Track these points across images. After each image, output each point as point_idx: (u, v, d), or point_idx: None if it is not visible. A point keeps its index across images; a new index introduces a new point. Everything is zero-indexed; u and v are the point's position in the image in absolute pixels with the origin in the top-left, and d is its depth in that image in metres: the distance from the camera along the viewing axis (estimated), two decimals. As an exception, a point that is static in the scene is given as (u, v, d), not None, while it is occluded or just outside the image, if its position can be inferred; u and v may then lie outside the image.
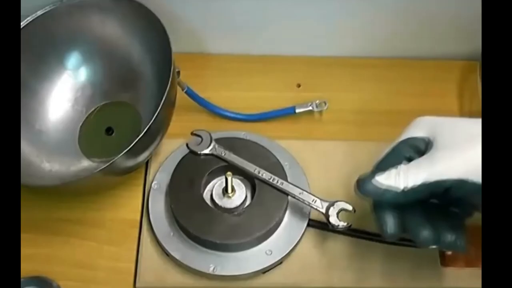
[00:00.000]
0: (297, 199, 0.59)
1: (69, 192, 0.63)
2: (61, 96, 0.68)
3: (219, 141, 0.64)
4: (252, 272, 0.59)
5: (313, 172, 0.64)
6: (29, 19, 0.64)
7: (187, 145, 0.62)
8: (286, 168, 0.62)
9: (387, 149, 0.54)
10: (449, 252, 0.59)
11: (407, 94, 0.72)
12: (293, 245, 0.60)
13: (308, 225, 0.61)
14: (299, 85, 0.73)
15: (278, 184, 0.60)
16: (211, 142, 0.62)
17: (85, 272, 0.60)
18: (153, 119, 0.56)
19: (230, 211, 0.60)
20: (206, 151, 0.62)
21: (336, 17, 0.71)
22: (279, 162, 0.62)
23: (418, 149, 0.52)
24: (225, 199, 0.60)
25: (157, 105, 0.57)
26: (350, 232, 0.61)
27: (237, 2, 0.69)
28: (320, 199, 0.59)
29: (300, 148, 0.66)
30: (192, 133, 0.63)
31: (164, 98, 0.57)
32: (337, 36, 0.73)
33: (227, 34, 0.73)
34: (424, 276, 0.59)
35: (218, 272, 0.58)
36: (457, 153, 0.49)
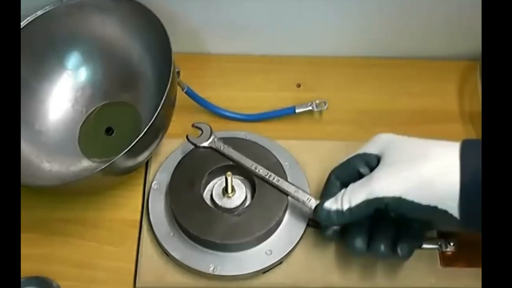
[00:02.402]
0: (292, 196, 0.59)
1: (69, 192, 0.63)
2: (61, 96, 0.68)
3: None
4: (252, 272, 0.59)
5: (313, 172, 0.64)
6: (29, 19, 0.64)
7: (187, 136, 0.63)
8: (286, 168, 0.62)
9: (344, 158, 0.57)
10: (449, 252, 0.60)
11: (407, 94, 0.72)
12: (293, 245, 0.60)
13: (308, 225, 0.61)
14: (299, 85, 0.73)
15: (274, 181, 0.60)
16: (210, 135, 0.63)
17: (85, 272, 0.60)
18: (153, 119, 0.56)
19: (230, 211, 0.60)
20: (205, 143, 0.62)
21: (336, 17, 0.71)
22: (279, 162, 0.62)
23: (370, 165, 0.54)
24: (225, 199, 0.60)
25: (157, 105, 0.57)
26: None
27: (237, 2, 0.69)
28: (315, 198, 0.58)
29: (300, 148, 0.66)
30: (192, 125, 0.63)
31: (164, 98, 0.57)
32: (337, 36, 0.73)
33: (227, 34, 0.73)
34: (424, 276, 0.59)
35: (218, 272, 0.58)
36: (396, 172, 0.51)
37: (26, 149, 0.63)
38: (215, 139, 0.62)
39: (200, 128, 0.63)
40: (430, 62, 0.75)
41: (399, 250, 0.54)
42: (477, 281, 0.58)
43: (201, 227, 0.59)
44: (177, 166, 0.62)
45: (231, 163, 0.62)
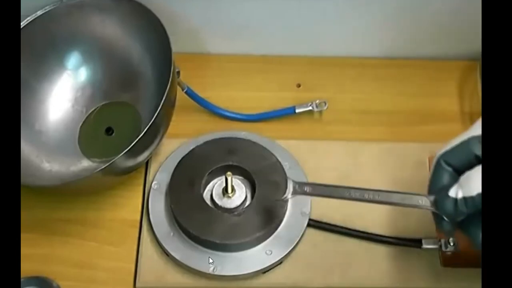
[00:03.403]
0: (402, 206, 0.52)
1: (69, 192, 0.63)
2: (61, 96, 0.68)
3: (219, 141, 0.64)
4: (252, 272, 0.59)
5: (313, 172, 0.64)
6: (29, 19, 0.64)
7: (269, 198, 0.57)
8: (286, 168, 0.62)
9: (453, 141, 0.49)
10: (449, 252, 0.59)
11: (407, 94, 0.72)
12: (293, 245, 0.60)
13: (308, 225, 0.61)
14: (299, 85, 0.73)
15: (377, 198, 0.52)
16: (287, 186, 0.55)
17: (85, 272, 0.60)
18: (153, 119, 0.56)
19: (230, 211, 0.60)
20: (289, 195, 0.55)
21: (336, 17, 0.71)
22: (279, 162, 0.62)
23: None
24: (225, 199, 0.60)
25: (157, 105, 0.57)
26: (350, 232, 0.61)
27: (237, 2, 0.69)
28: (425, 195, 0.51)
29: (300, 148, 0.66)
30: (268, 182, 0.58)
31: (164, 98, 0.57)
32: (337, 36, 0.73)
33: (227, 34, 0.73)
34: (424, 276, 0.60)
35: (218, 272, 0.58)
36: None
37: (26, 149, 0.63)
38: (296, 186, 0.55)
39: (275, 182, 0.58)
40: (430, 62, 0.75)
41: None
42: (477, 281, 0.58)
43: (201, 227, 0.59)
44: (177, 166, 0.62)
45: (231, 163, 0.62)
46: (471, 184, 0.46)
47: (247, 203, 0.61)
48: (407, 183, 0.64)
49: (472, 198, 0.46)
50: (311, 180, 0.63)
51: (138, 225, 0.63)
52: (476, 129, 0.48)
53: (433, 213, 0.50)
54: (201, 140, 0.65)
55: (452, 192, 0.47)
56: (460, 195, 0.47)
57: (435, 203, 0.49)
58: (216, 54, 0.75)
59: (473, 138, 0.48)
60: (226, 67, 0.74)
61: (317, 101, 0.69)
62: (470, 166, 0.47)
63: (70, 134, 0.67)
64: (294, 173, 0.63)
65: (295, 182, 0.55)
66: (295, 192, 0.55)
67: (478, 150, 0.47)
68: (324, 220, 0.62)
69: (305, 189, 0.55)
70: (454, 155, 0.49)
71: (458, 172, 0.48)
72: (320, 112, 0.70)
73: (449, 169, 0.49)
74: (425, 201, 0.50)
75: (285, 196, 0.55)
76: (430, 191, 0.50)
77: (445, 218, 0.49)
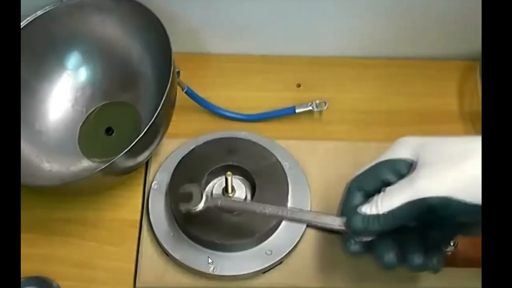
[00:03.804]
0: (314, 224, 0.54)
1: (69, 192, 0.63)
2: (61, 96, 0.68)
3: (219, 141, 0.64)
4: (252, 272, 0.59)
5: (313, 172, 0.64)
6: (29, 19, 0.64)
7: (179, 207, 0.55)
8: (286, 168, 0.62)
9: (364, 167, 0.52)
10: (449, 252, 0.59)
11: (407, 94, 0.72)
12: (293, 245, 0.60)
13: (308, 225, 0.61)
14: (299, 85, 0.73)
15: (288, 214, 0.54)
16: (202, 195, 0.55)
17: (85, 272, 0.60)
18: (153, 119, 0.56)
19: (230, 211, 0.60)
20: (200, 206, 0.55)
21: (336, 17, 0.71)
22: (279, 162, 0.62)
23: (399, 172, 0.50)
24: (225, 199, 0.61)
25: (157, 105, 0.57)
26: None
27: (237, 2, 0.69)
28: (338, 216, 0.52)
29: (300, 148, 0.66)
30: (179, 193, 0.56)
31: (164, 98, 0.57)
32: (337, 36, 0.73)
33: (227, 34, 0.73)
34: (424, 276, 0.59)
35: (218, 272, 0.58)
36: (439, 172, 0.47)
37: (26, 149, 0.63)
38: (209, 197, 0.56)
39: (188, 193, 0.55)
40: (430, 62, 0.75)
41: (431, 262, 0.51)
42: (477, 281, 0.58)
43: (201, 227, 0.59)
44: (177, 166, 0.62)
45: (231, 163, 0.62)
46: (383, 202, 0.48)
47: (247, 203, 0.61)
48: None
49: (382, 216, 0.48)
50: (311, 180, 0.63)
51: (138, 225, 0.63)
52: (386, 154, 0.51)
53: (342, 234, 0.52)
54: (201, 140, 0.65)
55: (362, 209, 0.49)
56: (372, 211, 0.49)
57: (345, 223, 0.51)
58: (216, 54, 0.75)
59: (380, 163, 0.51)
60: (226, 67, 0.74)
61: (317, 101, 0.69)
62: (379, 190, 0.50)
63: (70, 134, 0.67)
64: (294, 173, 0.63)
65: (207, 193, 0.56)
66: (206, 203, 0.55)
67: (384, 175, 0.50)
68: (324, 220, 0.62)
69: (218, 202, 0.56)
70: (363, 180, 0.52)
71: (368, 195, 0.51)
72: (320, 112, 0.70)
73: (360, 192, 0.52)
74: (337, 221, 0.51)
75: (196, 207, 0.55)
76: (342, 213, 0.52)
77: (354, 238, 0.51)
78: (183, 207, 0.55)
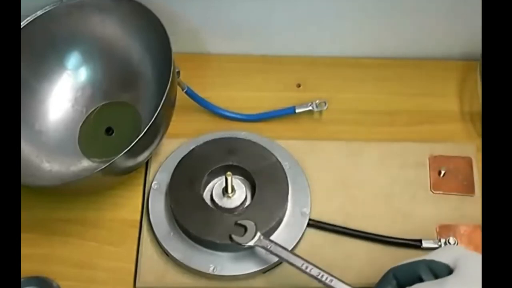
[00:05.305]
0: None
1: (69, 192, 0.63)
2: (61, 96, 0.68)
3: (219, 141, 0.64)
4: (252, 272, 0.59)
5: (313, 172, 0.64)
6: (29, 19, 0.64)
7: (230, 236, 0.57)
8: (286, 168, 0.62)
9: (407, 260, 0.53)
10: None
11: (407, 94, 0.72)
12: (293, 245, 0.60)
13: (308, 225, 0.61)
14: (299, 85, 0.73)
15: (327, 281, 0.54)
16: (255, 233, 0.57)
17: (85, 272, 0.60)
18: (153, 119, 0.56)
19: (230, 211, 0.60)
20: (251, 243, 0.56)
21: (336, 18, 0.71)
22: (279, 162, 0.62)
23: (436, 273, 0.51)
24: (225, 199, 0.60)
25: (157, 105, 0.57)
26: (350, 232, 0.61)
27: (237, 2, 0.69)
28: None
29: (300, 148, 0.66)
30: (235, 223, 0.58)
31: (164, 98, 0.57)
32: (337, 36, 0.73)
33: (227, 34, 0.73)
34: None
35: (218, 272, 0.58)
36: (471, 285, 0.48)
37: (26, 149, 0.63)
38: (261, 237, 0.57)
39: (244, 226, 0.57)
40: (430, 62, 0.75)
41: None
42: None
43: (201, 227, 0.59)
44: (177, 166, 0.62)
45: (231, 163, 0.62)
46: None
47: (247, 203, 0.61)
48: (407, 183, 0.65)
49: None
50: (311, 180, 0.63)
51: (138, 225, 0.63)
52: (431, 254, 0.52)
53: None
54: (201, 140, 0.65)
55: None
56: None
57: None
58: (216, 54, 0.75)
59: (422, 261, 0.52)
60: (226, 67, 0.74)
61: (317, 101, 0.69)
62: (412, 284, 0.50)
63: (70, 134, 0.67)
64: (294, 173, 0.63)
65: (260, 233, 0.57)
66: (258, 242, 0.56)
67: (422, 272, 0.51)
68: (324, 220, 0.62)
69: (267, 245, 0.56)
70: (402, 271, 0.52)
71: (402, 286, 0.51)
72: (320, 112, 0.70)
73: (394, 281, 0.52)
74: None
75: (246, 243, 0.56)
76: None
77: None
78: (235, 239, 0.57)
